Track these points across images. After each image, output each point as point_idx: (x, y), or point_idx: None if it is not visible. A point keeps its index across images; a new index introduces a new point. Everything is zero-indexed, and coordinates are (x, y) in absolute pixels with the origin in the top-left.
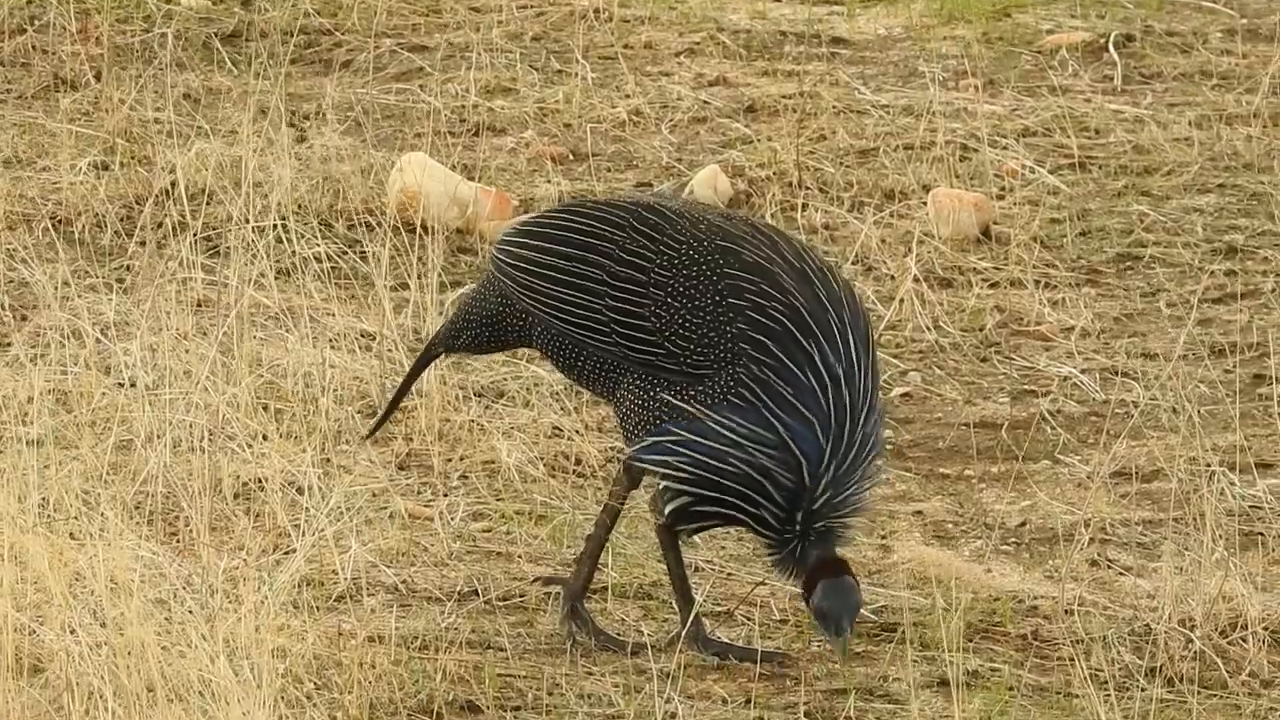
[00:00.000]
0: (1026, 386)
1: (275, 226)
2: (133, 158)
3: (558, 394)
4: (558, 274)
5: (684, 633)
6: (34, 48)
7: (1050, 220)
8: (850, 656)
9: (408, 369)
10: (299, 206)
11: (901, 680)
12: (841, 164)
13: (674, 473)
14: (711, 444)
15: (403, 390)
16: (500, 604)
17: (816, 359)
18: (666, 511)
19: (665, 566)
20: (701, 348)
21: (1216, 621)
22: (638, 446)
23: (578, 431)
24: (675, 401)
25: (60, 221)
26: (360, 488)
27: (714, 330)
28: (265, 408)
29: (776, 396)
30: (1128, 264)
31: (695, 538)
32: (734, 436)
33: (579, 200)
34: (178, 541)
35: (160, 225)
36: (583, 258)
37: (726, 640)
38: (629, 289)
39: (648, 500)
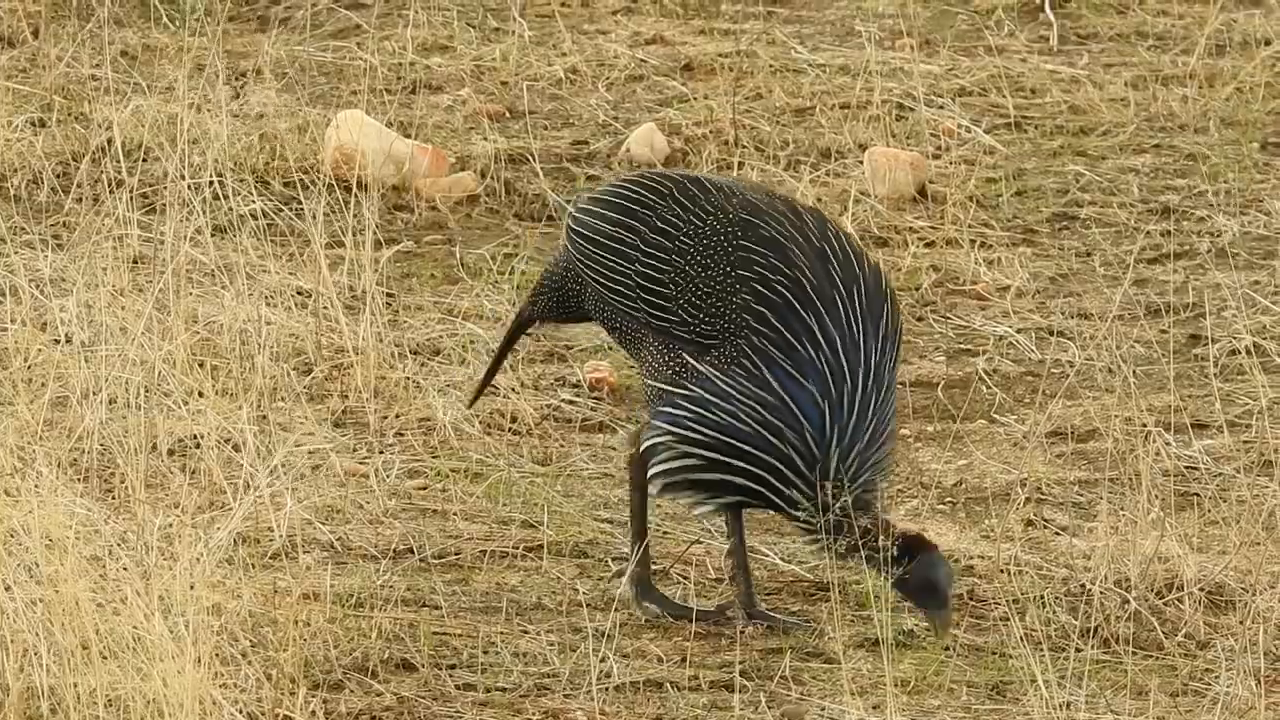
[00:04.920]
0: (962, 346)
1: (211, 183)
2: (69, 114)
3: (493, 351)
4: (602, 239)
5: (631, 570)
6: None
7: (986, 180)
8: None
9: (345, 323)
10: (235, 163)
11: (837, 640)
12: (778, 123)
13: (684, 431)
14: (724, 404)
15: (499, 359)
16: (436, 562)
17: (816, 330)
18: (658, 470)
19: (629, 503)
20: (710, 316)
21: (1152, 582)
22: (655, 408)
23: (514, 389)
24: (691, 362)
25: None
26: (296, 445)
27: (721, 300)
28: (201, 364)
29: (775, 366)
30: (1063, 224)
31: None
32: (742, 398)
33: (642, 171)
34: (113, 498)
35: (97, 182)
36: (625, 224)
37: (665, 595)
38: (656, 255)
39: (625, 438)
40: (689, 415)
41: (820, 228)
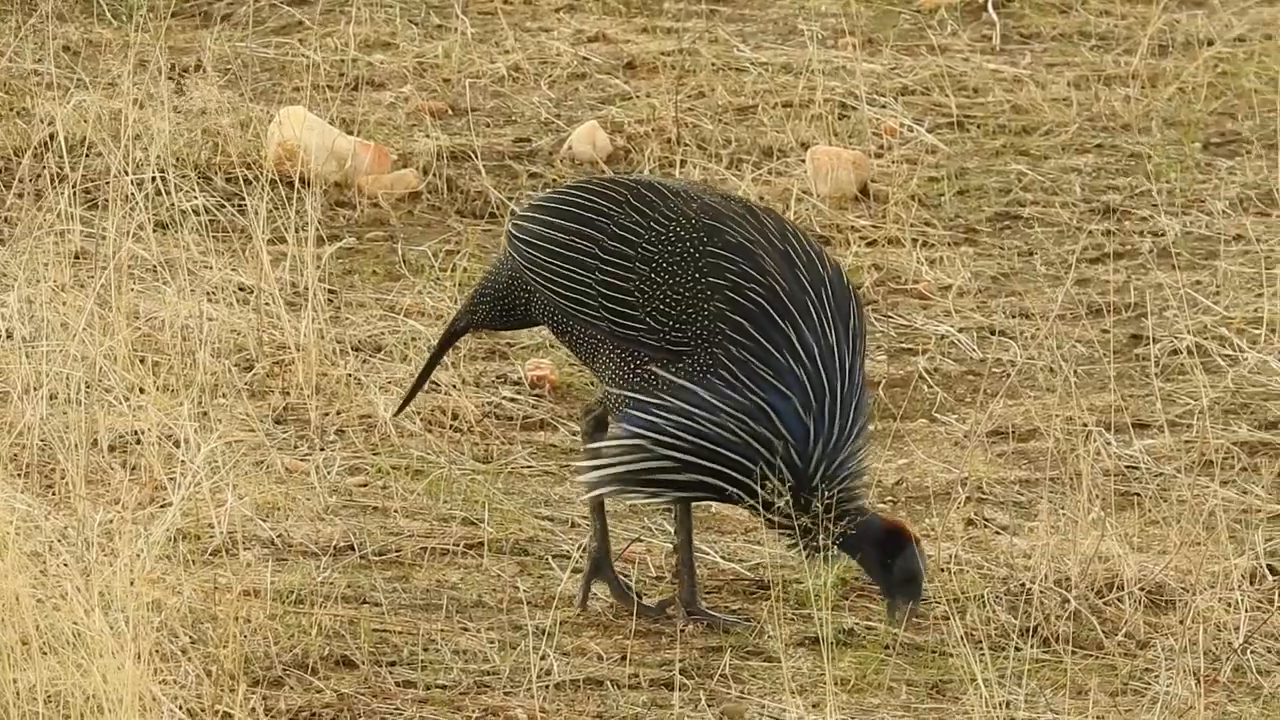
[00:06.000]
0: (904, 345)
1: (154, 179)
2: (11, 109)
3: (434, 349)
4: (556, 247)
5: (593, 546)
6: None
7: (928, 179)
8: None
9: (286, 319)
10: (178, 159)
11: (777, 638)
12: (720, 121)
13: (663, 437)
14: (706, 414)
15: (429, 367)
16: (376, 559)
17: (794, 339)
18: (624, 469)
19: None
20: (680, 324)
21: (1092, 581)
22: (626, 413)
23: (455, 386)
24: (662, 373)
25: None
26: (237, 441)
27: (692, 307)
28: (142, 360)
29: (756, 377)
30: (1005, 223)
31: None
32: (729, 410)
33: (589, 177)
34: (53, 494)
35: (39, 177)
36: (580, 232)
37: (623, 581)
38: (618, 263)
39: (582, 410)
40: (670, 423)
41: (780, 229)
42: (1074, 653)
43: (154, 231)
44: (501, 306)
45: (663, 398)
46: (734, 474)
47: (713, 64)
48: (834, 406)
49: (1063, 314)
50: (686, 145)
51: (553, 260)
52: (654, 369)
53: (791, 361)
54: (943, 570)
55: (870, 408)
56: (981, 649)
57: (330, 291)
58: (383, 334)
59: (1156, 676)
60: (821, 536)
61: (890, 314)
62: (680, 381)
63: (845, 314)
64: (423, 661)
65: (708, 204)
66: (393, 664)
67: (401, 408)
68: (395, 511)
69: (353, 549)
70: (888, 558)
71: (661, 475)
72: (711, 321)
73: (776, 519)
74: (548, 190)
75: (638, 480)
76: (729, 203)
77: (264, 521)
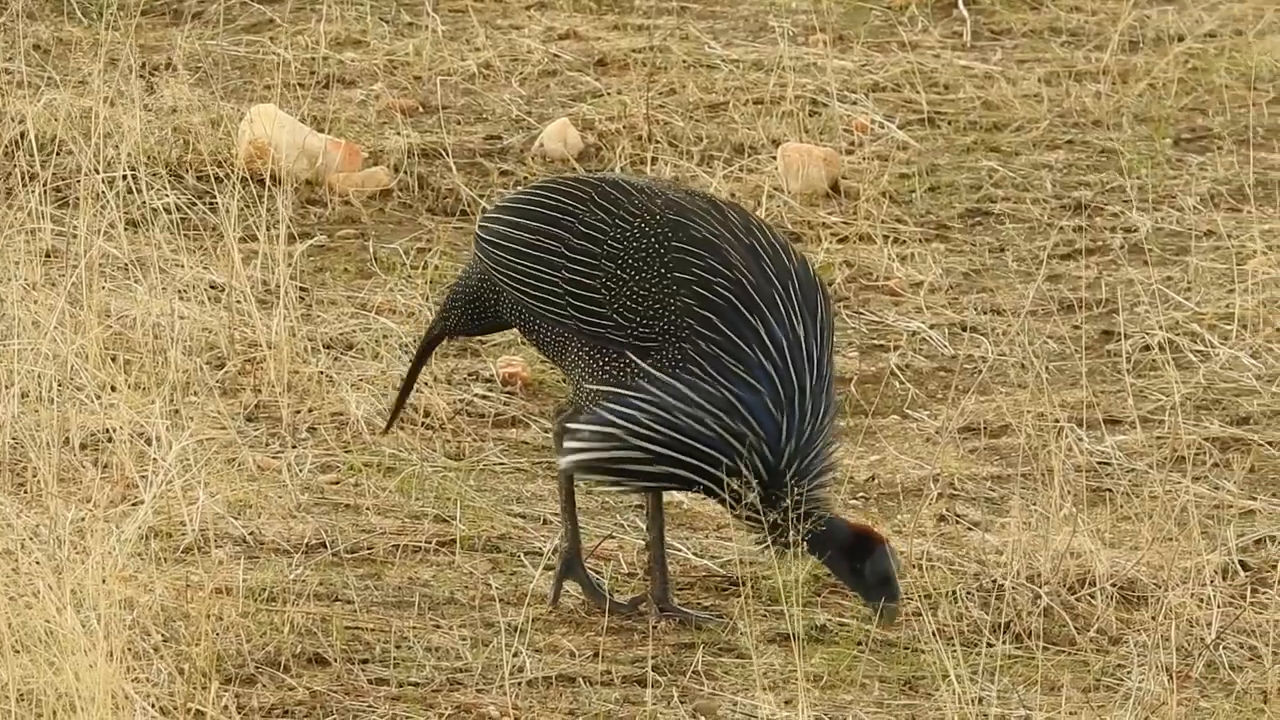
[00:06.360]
0: (875, 341)
1: (125, 177)
2: None
3: (406, 346)
4: (523, 247)
5: (564, 546)
6: None
7: (899, 175)
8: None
9: (258, 317)
10: (149, 157)
11: (749, 635)
12: (691, 118)
13: (638, 428)
14: (683, 406)
15: (411, 378)
16: (348, 556)
17: (763, 333)
18: (593, 456)
19: (559, 492)
20: (647, 320)
21: (1064, 578)
22: (601, 403)
23: (426, 384)
24: (638, 362)
25: None
26: (208, 439)
27: (659, 303)
28: (114, 359)
29: (726, 371)
30: (976, 219)
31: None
32: (702, 401)
33: (554, 177)
34: (25, 492)
35: (9, 175)
36: (546, 231)
37: (595, 580)
38: (584, 261)
39: (553, 415)
40: (647, 415)
41: (744, 223)
42: (1046, 649)
43: (125, 230)
44: (473, 310)
45: (641, 387)
46: (705, 467)
47: (684, 61)
48: (803, 401)
49: (1034, 310)
50: (658, 142)
51: (519, 260)
52: (626, 358)
53: (761, 355)
54: (914, 566)
55: (839, 403)
56: (954, 645)
57: (301, 289)
58: (354, 331)
59: (1129, 672)
60: (790, 534)
61: (861, 310)
62: (656, 373)
63: (813, 307)
64: (395, 659)
65: (672, 200)
66: (365, 661)
67: (390, 423)
68: (367, 509)
69: (325, 546)
70: (857, 562)
71: (632, 465)
72: (679, 316)
73: (745, 514)
74: (514, 191)
75: (606, 469)
76: (693, 198)
77: (236, 519)
